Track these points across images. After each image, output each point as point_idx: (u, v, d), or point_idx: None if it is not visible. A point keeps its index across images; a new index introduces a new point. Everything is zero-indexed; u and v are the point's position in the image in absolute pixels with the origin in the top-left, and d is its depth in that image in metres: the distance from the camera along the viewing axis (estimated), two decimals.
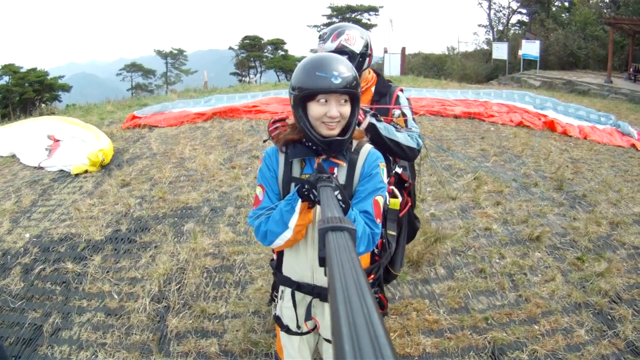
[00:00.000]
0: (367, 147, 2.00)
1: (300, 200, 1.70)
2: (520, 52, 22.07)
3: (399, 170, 2.72)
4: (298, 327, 2.14)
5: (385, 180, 1.98)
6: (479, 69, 27.39)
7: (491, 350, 3.41)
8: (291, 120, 2.03)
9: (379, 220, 1.88)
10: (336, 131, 1.83)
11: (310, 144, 1.88)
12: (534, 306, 3.86)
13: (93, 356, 3.62)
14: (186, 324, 3.83)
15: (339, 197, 1.52)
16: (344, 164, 1.92)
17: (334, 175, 1.87)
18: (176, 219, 5.59)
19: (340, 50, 2.53)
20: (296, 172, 1.96)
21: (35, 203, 6.54)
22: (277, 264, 2.17)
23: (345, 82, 1.76)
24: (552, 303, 3.91)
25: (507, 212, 5.48)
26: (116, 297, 4.26)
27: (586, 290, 4.07)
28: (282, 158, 1.98)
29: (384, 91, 2.72)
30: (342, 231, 0.93)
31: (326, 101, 1.78)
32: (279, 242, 1.85)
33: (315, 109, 1.80)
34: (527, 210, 5.51)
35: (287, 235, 1.81)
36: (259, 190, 1.99)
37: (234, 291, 4.19)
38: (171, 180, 6.80)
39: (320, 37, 2.67)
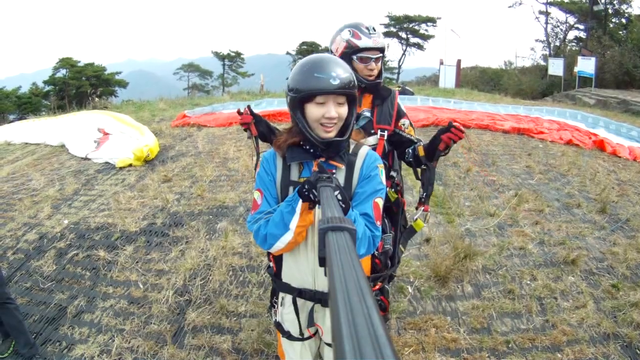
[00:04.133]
0: (365, 149, 1.99)
1: (300, 200, 1.68)
2: (575, 69, 21.33)
3: (394, 174, 2.76)
4: (301, 333, 2.11)
5: (384, 181, 1.97)
6: (535, 84, 26.66)
7: None
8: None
9: (379, 223, 1.85)
10: (333, 133, 1.83)
11: (308, 147, 1.88)
12: (560, 333, 3.67)
13: (110, 340, 3.73)
14: (204, 318, 3.88)
15: (339, 197, 1.50)
16: (342, 167, 1.91)
17: None
18: (211, 216, 5.69)
19: (383, 49, 2.60)
20: (294, 175, 1.94)
21: (78, 192, 6.80)
22: (276, 271, 2.14)
23: (342, 83, 1.75)
24: (580, 331, 3.70)
25: (545, 232, 5.27)
26: (141, 286, 4.37)
27: (617, 321, 3.83)
28: (280, 162, 1.97)
29: (384, 95, 2.71)
30: (343, 231, 0.92)
31: (324, 102, 1.78)
32: (280, 244, 1.81)
33: (313, 111, 1.80)
34: (566, 232, 5.28)
35: (288, 237, 1.78)
36: (257, 195, 1.97)
37: (256, 291, 4.22)
38: (212, 179, 6.94)
39: (369, 29, 2.59)
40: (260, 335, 3.58)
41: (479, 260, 4.59)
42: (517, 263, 4.63)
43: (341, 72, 1.77)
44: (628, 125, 11.00)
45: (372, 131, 2.63)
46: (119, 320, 3.96)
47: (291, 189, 1.89)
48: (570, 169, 7.59)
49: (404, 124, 2.69)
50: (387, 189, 2.61)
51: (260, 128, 2.92)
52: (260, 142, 2.95)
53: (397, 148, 2.77)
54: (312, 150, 1.88)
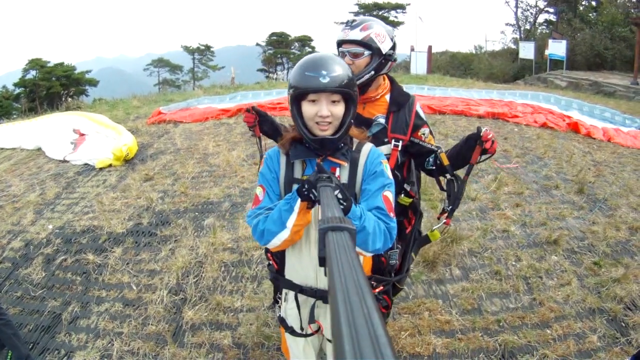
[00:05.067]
0: (368, 146, 2.00)
1: (299, 199, 1.67)
2: (546, 52, 21.67)
3: (407, 187, 2.64)
4: (302, 328, 2.13)
5: (391, 175, 1.96)
6: (506, 68, 26.89)
7: (501, 353, 3.41)
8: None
9: (392, 214, 1.84)
10: (329, 131, 1.83)
11: (309, 144, 1.88)
12: (548, 310, 3.83)
13: (109, 345, 3.74)
14: (201, 316, 3.91)
15: (339, 195, 1.51)
16: (346, 164, 1.91)
17: (337, 176, 1.89)
18: (197, 213, 5.70)
19: (366, 43, 2.37)
20: (298, 173, 1.95)
21: (59, 196, 6.71)
22: (278, 268, 2.16)
23: (334, 82, 1.75)
24: (566, 308, 3.87)
25: (526, 214, 5.43)
26: (135, 288, 4.37)
27: (601, 296, 4.02)
28: (283, 160, 1.98)
29: (402, 101, 2.53)
30: (342, 231, 0.92)
31: (316, 100, 1.79)
32: (276, 241, 1.82)
33: (307, 109, 1.81)
34: (547, 213, 5.45)
35: (284, 235, 1.78)
36: (259, 191, 1.97)
37: (250, 285, 4.26)
38: (194, 175, 6.91)
39: (347, 22, 2.46)
40: (259, 329, 3.65)
41: (465, 244, 4.72)
42: (501, 245, 4.78)
43: (334, 70, 1.76)
44: (601, 107, 11.30)
45: (386, 140, 2.48)
46: (116, 323, 3.97)
47: (295, 186, 1.83)
48: (546, 151, 7.77)
49: (423, 134, 2.53)
50: (401, 194, 2.57)
51: (264, 127, 2.84)
52: (265, 140, 2.90)
53: (416, 158, 2.65)
54: (313, 148, 1.89)
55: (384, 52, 2.41)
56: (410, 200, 2.63)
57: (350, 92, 1.81)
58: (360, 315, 0.54)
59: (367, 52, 2.39)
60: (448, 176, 2.57)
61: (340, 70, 1.78)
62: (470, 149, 2.40)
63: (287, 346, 2.29)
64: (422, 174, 2.84)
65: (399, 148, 2.47)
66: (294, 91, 1.81)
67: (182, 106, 11.60)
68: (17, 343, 3.52)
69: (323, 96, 1.77)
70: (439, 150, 2.54)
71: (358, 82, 2.34)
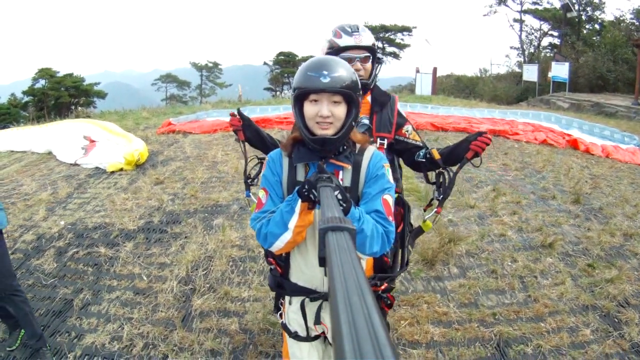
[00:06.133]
0: (371, 149, 2.01)
1: (300, 200, 1.67)
2: (550, 74, 21.95)
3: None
4: (307, 332, 2.13)
5: (392, 180, 1.98)
6: (510, 90, 27.01)
7: (497, 343, 3.56)
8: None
9: (391, 218, 1.86)
10: (330, 132, 1.82)
11: (311, 146, 1.87)
12: (542, 306, 3.99)
13: (119, 328, 3.89)
14: (210, 304, 4.08)
15: (339, 196, 1.52)
16: (349, 167, 1.91)
17: (340, 179, 1.91)
18: (206, 214, 5.91)
19: (372, 48, 2.50)
20: (300, 176, 1.95)
21: (71, 195, 6.91)
22: (282, 272, 2.14)
23: (335, 82, 1.75)
24: (560, 304, 4.03)
25: (523, 221, 5.62)
26: (145, 278, 4.55)
27: (594, 294, 4.18)
28: (286, 162, 1.98)
29: (384, 101, 2.62)
30: (342, 231, 0.93)
31: (318, 101, 1.79)
32: (279, 244, 1.81)
33: (308, 109, 1.82)
34: (543, 220, 5.63)
35: (287, 236, 1.78)
36: (262, 194, 1.97)
37: (257, 278, 4.44)
38: (203, 180, 7.16)
39: (351, 27, 2.53)
40: (265, 316, 3.82)
41: (463, 245, 4.91)
42: (498, 247, 4.96)
43: (336, 71, 1.77)
44: (601, 126, 11.51)
45: (372, 139, 2.44)
46: (127, 309, 4.12)
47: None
48: (545, 165, 7.99)
49: (407, 131, 2.62)
50: None
51: (247, 133, 2.72)
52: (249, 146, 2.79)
53: (402, 154, 2.72)
54: (314, 149, 1.88)
55: (377, 56, 2.58)
56: (397, 195, 2.67)
57: (352, 94, 1.81)
58: (360, 315, 0.55)
59: (371, 56, 2.53)
60: (441, 170, 2.65)
61: (343, 71, 1.79)
62: (466, 149, 2.51)
63: (289, 351, 2.26)
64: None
65: (385, 146, 2.56)
66: (296, 91, 1.82)
67: (191, 118, 11.93)
68: (32, 321, 3.65)
69: (324, 96, 1.78)
70: (429, 148, 2.64)
71: (372, 85, 2.56)
